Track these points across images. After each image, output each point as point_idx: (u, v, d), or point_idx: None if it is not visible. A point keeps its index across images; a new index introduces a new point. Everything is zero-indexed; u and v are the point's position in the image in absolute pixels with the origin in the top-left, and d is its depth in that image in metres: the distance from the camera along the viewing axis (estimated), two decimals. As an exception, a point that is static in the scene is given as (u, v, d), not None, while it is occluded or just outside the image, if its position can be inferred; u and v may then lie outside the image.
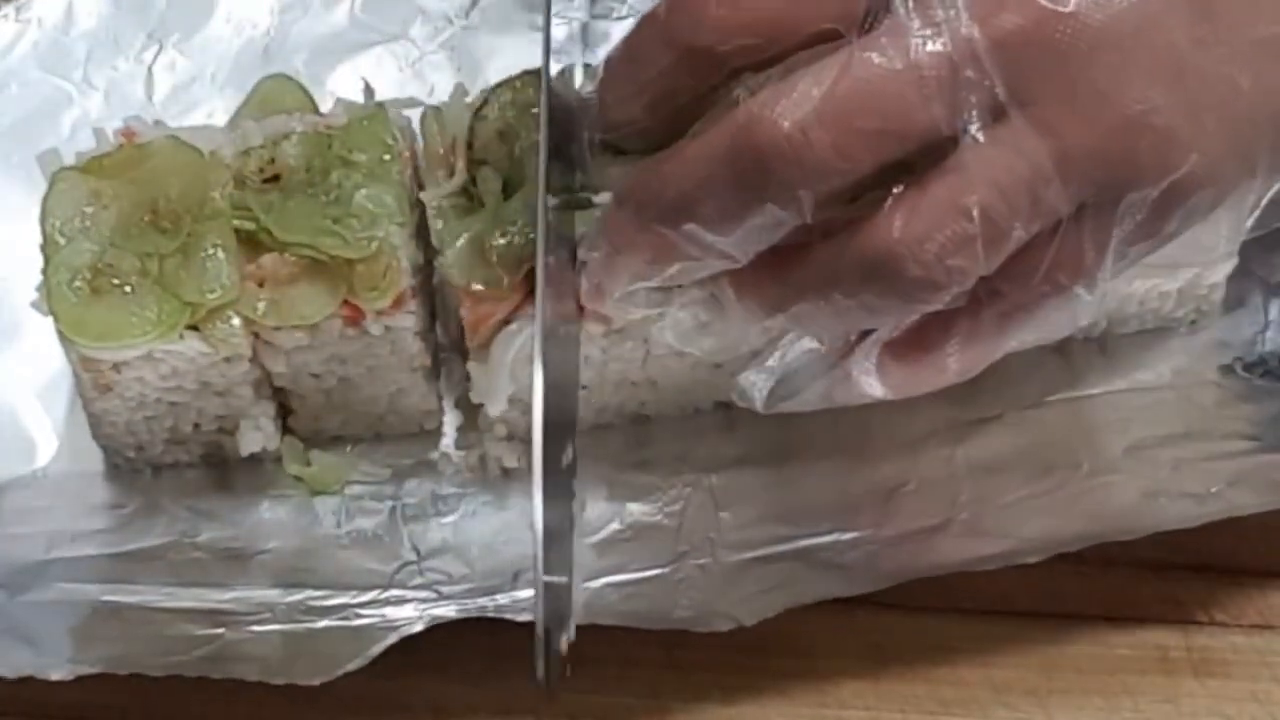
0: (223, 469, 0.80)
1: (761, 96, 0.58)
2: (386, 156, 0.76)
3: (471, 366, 0.76)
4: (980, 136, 0.57)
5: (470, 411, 0.79)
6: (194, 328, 0.73)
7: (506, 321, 0.74)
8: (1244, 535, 0.74)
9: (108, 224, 0.74)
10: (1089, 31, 0.57)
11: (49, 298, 0.73)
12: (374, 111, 0.77)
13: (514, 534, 0.77)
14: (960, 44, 0.57)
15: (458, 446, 0.80)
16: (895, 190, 0.58)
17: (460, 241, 0.73)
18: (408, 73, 0.88)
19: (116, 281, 0.73)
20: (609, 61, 0.64)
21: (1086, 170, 0.58)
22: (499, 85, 0.77)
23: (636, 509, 0.78)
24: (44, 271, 0.74)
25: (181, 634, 0.74)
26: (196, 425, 0.78)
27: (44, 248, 0.74)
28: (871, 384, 0.64)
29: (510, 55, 0.80)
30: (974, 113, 0.57)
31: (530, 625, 0.66)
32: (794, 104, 0.57)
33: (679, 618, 0.73)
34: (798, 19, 0.59)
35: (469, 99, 0.77)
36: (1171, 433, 0.77)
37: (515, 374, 0.75)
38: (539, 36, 0.89)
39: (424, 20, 0.92)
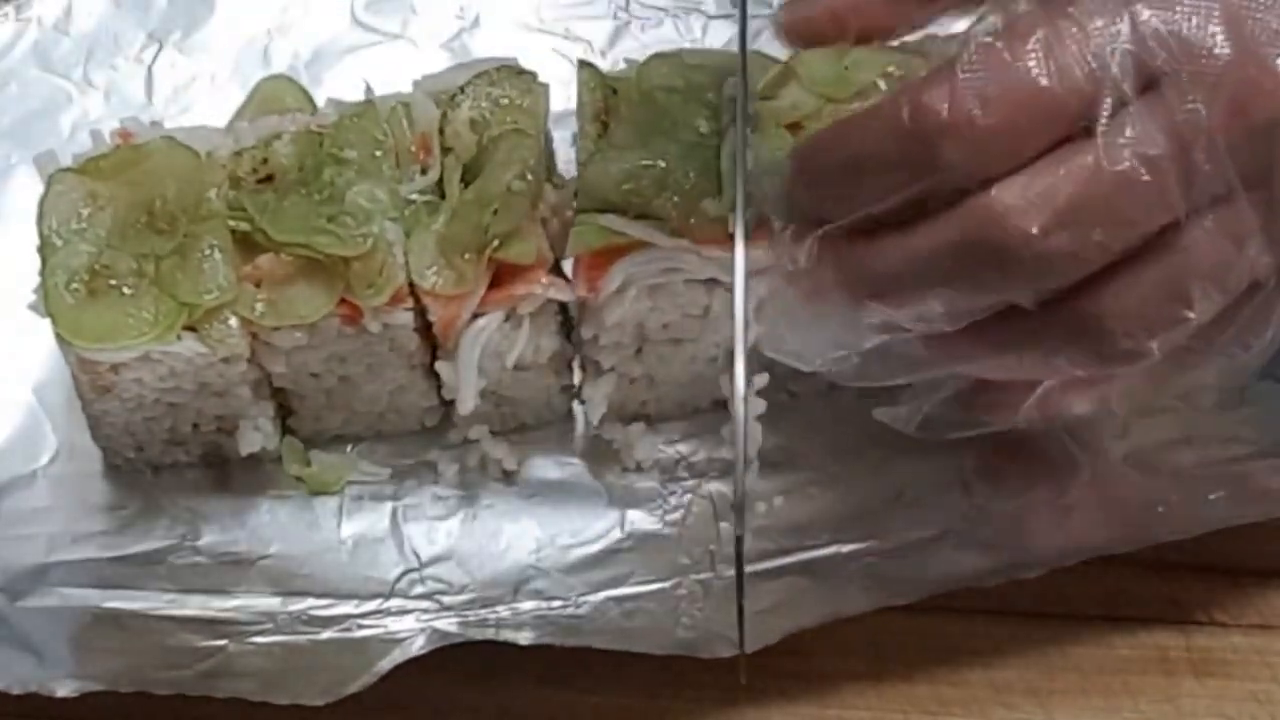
0: (222, 469, 0.80)
1: (1003, 194, 0.58)
2: (377, 152, 0.76)
3: (440, 366, 0.76)
4: (1209, 222, 0.59)
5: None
6: (191, 329, 0.73)
7: (475, 317, 0.74)
8: (1244, 535, 0.74)
9: (104, 225, 0.74)
10: None
11: (46, 299, 0.73)
12: (364, 108, 0.77)
13: (515, 540, 0.78)
14: (1199, 139, 0.58)
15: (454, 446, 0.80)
16: (1115, 264, 0.59)
17: (425, 245, 0.73)
18: (408, 73, 0.87)
19: (113, 283, 0.73)
20: (822, 138, 0.64)
21: None
22: (477, 76, 0.77)
23: (637, 516, 0.78)
24: (41, 273, 0.74)
25: (183, 645, 0.74)
26: (195, 426, 0.78)
27: (41, 249, 0.74)
28: (1032, 415, 0.66)
29: (510, 55, 0.80)
30: (1206, 200, 0.59)
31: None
32: (1037, 207, 0.58)
33: (680, 639, 0.73)
34: (1044, 133, 0.59)
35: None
36: (1172, 438, 0.77)
37: (485, 368, 0.75)
38: (537, 36, 0.91)
39: (424, 20, 0.92)
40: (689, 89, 0.75)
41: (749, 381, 0.67)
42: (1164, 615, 0.76)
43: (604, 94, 0.76)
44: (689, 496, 0.78)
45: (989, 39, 0.60)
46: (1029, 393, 0.66)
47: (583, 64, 0.78)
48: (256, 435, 0.78)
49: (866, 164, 0.62)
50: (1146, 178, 0.58)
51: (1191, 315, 0.60)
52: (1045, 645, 0.75)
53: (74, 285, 0.73)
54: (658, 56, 0.77)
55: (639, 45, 0.90)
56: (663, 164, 0.72)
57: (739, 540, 0.66)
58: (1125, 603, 0.76)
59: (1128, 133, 0.58)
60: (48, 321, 0.73)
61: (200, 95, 0.90)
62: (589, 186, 0.73)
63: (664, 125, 0.74)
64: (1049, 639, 0.76)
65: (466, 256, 0.73)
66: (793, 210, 0.66)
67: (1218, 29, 0.58)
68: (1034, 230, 0.58)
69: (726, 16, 0.91)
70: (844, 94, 0.72)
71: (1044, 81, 0.58)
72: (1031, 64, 0.58)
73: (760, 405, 0.76)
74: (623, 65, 0.79)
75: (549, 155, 0.78)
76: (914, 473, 0.77)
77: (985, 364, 0.65)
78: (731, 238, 0.69)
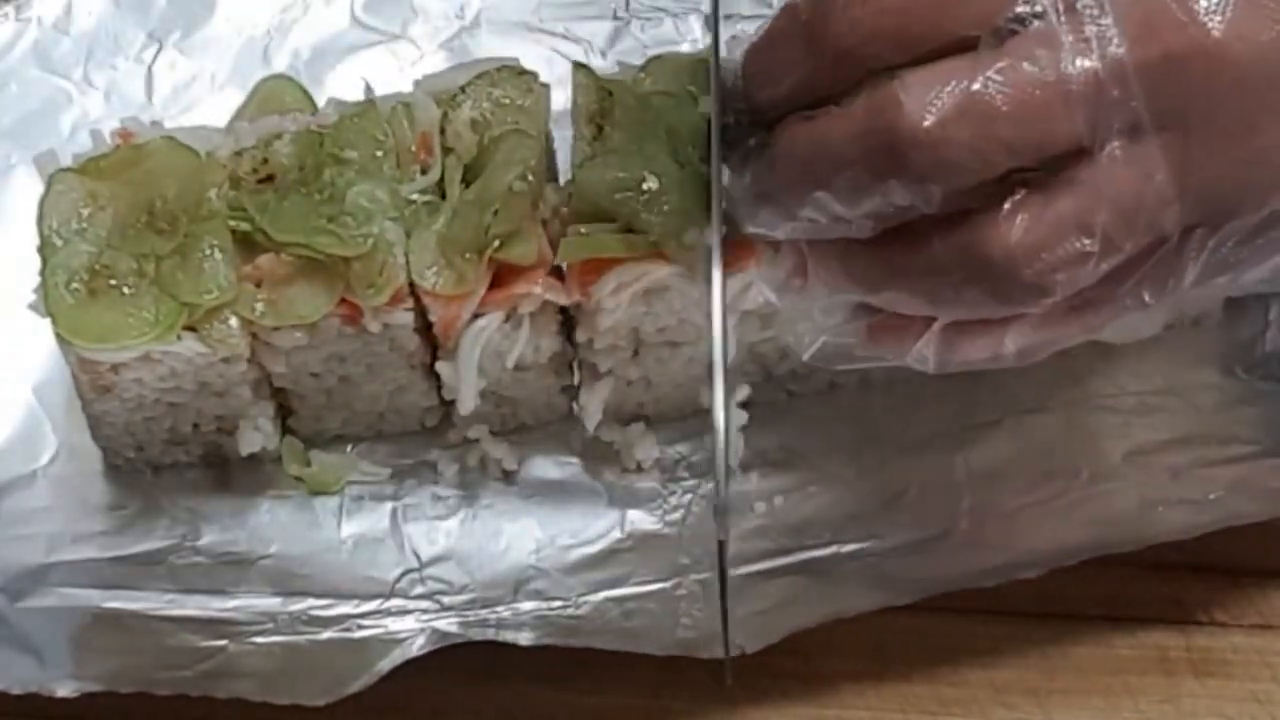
0: (222, 469, 0.80)
1: (908, 83, 0.58)
2: (378, 152, 0.76)
3: (440, 366, 0.76)
4: (1116, 154, 0.58)
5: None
6: (191, 328, 0.73)
7: (475, 317, 0.74)
8: (1244, 535, 0.74)
9: (104, 225, 0.74)
10: (1235, 66, 0.57)
11: (46, 299, 0.73)
12: (364, 108, 0.77)
13: (515, 540, 0.78)
14: (1110, 62, 0.57)
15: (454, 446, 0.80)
16: (1018, 194, 0.58)
17: (425, 245, 0.73)
18: (408, 73, 0.87)
19: (114, 283, 0.73)
20: (753, 48, 0.64)
21: (1206, 198, 0.59)
22: (478, 77, 0.77)
23: (637, 516, 0.78)
24: (41, 273, 0.74)
25: (183, 645, 0.74)
26: (196, 426, 0.78)
27: (41, 249, 0.74)
28: (924, 355, 0.64)
29: (510, 55, 0.80)
30: (1113, 131, 0.58)
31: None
32: (938, 98, 0.57)
33: (681, 639, 0.73)
34: (940, 23, 0.58)
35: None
36: (1171, 437, 0.77)
37: (485, 368, 0.75)
38: (537, 36, 0.91)
39: (424, 20, 0.92)
40: (685, 93, 0.75)
41: (731, 391, 0.67)
42: (1164, 615, 0.76)
43: (599, 96, 0.76)
44: (689, 496, 0.78)
45: None
46: (925, 329, 0.64)
47: (578, 66, 0.78)
48: (256, 435, 0.78)
49: (778, 51, 0.62)
50: (1051, 85, 0.57)
51: (1093, 247, 0.58)
52: (1045, 645, 0.76)
53: (74, 285, 0.73)
54: (655, 59, 0.77)
55: (639, 45, 0.90)
56: (653, 182, 0.72)
57: (721, 545, 0.65)
58: (1125, 603, 0.76)
59: (1045, 42, 0.57)
60: (48, 321, 0.73)
61: (200, 95, 0.90)
62: (582, 191, 0.73)
63: (659, 130, 0.74)
64: (1049, 639, 0.76)
65: (467, 257, 0.73)
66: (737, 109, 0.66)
67: None
68: (931, 122, 0.57)
69: (728, 17, 0.90)
70: None
71: None
72: None
73: (742, 417, 0.76)
74: (623, 66, 0.79)
75: (550, 156, 0.78)
76: (914, 473, 0.77)
77: (890, 294, 0.63)
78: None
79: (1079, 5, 0.57)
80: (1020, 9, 0.57)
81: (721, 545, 0.65)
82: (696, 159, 0.72)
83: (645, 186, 0.72)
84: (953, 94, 0.57)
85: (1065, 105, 0.57)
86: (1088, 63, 0.57)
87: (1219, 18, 0.57)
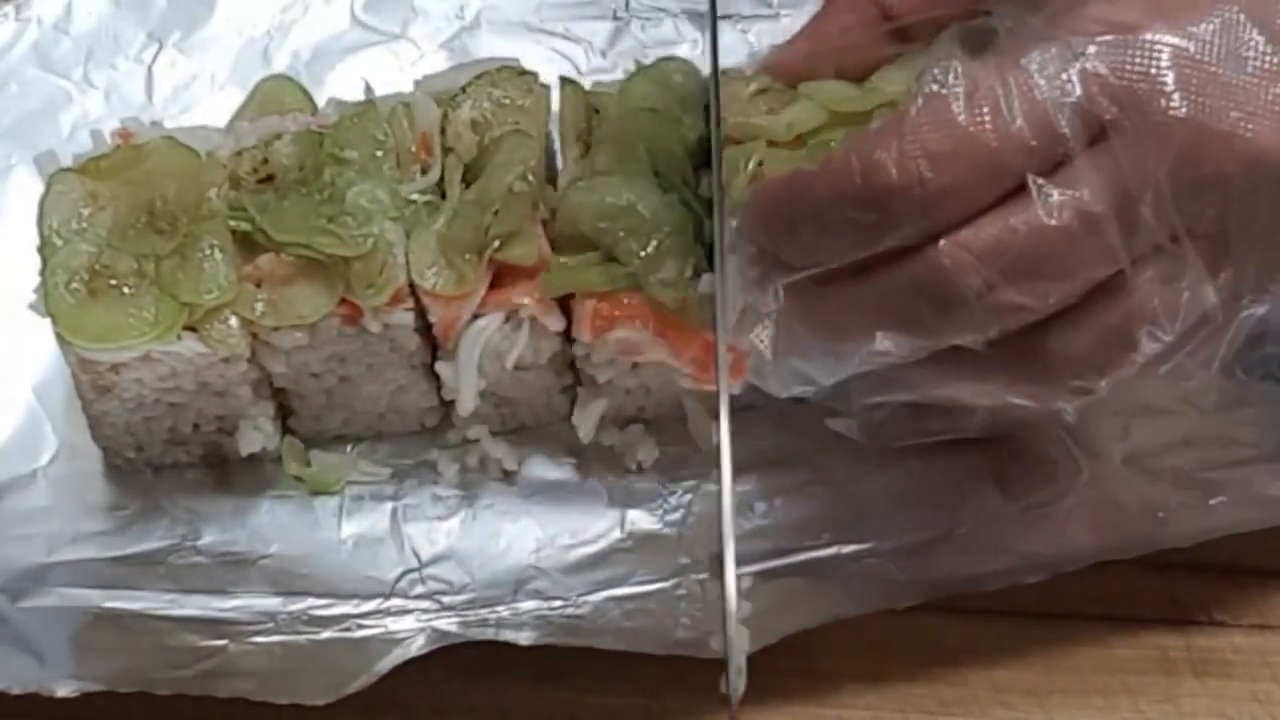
0: (223, 469, 0.80)
1: (951, 247, 0.59)
2: (378, 153, 0.76)
3: (440, 366, 0.76)
4: (1154, 270, 0.60)
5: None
6: (192, 328, 0.73)
7: (475, 318, 0.74)
8: (1244, 535, 0.74)
9: (105, 225, 0.74)
10: (1277, 169, 0.59)
11: (46, 299, 0.73)
12: (365, 108, 0.77)
13: (515, 540, 0.77)
14: (1148, 193, 0.59)
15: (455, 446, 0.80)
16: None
17: (425, 245, 0.74)
18: (408, 73, 0.87)
19: (114, 283, 0.73)
20: (780, 196, 0.64)
21: (1246, 284, 0.61)
22: (478, 77, 0.77)
23: (637, 516, 0.78)
24: (41, 273, 0.74)
25: (183, 644, 0.74)
26: (196, 426, 0.78)
27: (41, 249, 0.74)
28: None
29: (510, 55, 0.80)
30: (1150, 249, 0.60)
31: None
32: (981, 261, 0.59)
33: (680, 639, 0.73)
34: (985, 188, 0.59)
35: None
36: (1171, 440, 0.77)
37: (485, 369, 0.75)
38: (537, 36, 0.91)
39: (424, 20, 0.92)
40: (669, 110, 0.76)
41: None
42: (1164, 615, 0.76)
43: (587, 113, 0.77)
44: (689, 497, 0.78)
45: (938, 87, 0.60)
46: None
47: (565, 81, 0.78)
48: (257, 435, 0.78)
49: (820, 220, 0.62)
50: (1088, 233, 0.59)
51: (1138, 358, 0.61)
52: (1045, 645, 0.75)
53: (74, 285, 0.73)
54: (640, 74, 0.78)
55: (638, 45, 0.90)
56: (633, 214, 0.73)
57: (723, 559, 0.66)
58: (1125, 603, 0.76)
59: (1072, 189, 0.59)
60: (48, 321, 0.73)
61: (200, 95, 0.90)
62: (567, 215, 0.74)
63: (642, 151, 0.74)
64: (1049, 639, 0.75)
65: (467, 257, 0.73)
66: (753, 253, 0.66)
67: (1167, 80, 0.59)
68: (978, 286, 0.59)
69: (727, 17, 0.91)
70: (865, 106, 0.73)
71: (991, 139, 0.59)
72: (980, 118, 0.59)
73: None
74: (620, 71, 0.80)
75: (550, 156, 0.78)
76: (914, 474, 0.77)
77: (942, 395, 0.66)
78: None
79: (1113, 141, 0.59)
80: (1054, 154, 0.59)
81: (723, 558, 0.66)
82: (680, 184, 0.74)
83: (625, 220, 0.73)
84: (995, 256, 0.59)
85: (1101, 247, 0.59)
86: (1120, 198, 0.59)
87: (1255, 126, 0.58)
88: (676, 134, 0.75)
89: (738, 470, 0.77)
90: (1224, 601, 0.76)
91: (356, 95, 0.79)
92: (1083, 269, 0.60)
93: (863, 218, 0.61)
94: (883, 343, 0.63)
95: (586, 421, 0.77)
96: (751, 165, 0.72)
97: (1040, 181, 0.59)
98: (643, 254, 0.73)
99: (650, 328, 0.73)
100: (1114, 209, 0.59)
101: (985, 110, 0.59)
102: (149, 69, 0.91)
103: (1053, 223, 0.59)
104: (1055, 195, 0.59)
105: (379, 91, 0.79)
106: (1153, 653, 0.75)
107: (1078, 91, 0.59)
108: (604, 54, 0.90)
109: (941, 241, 0.60)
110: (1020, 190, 0.59)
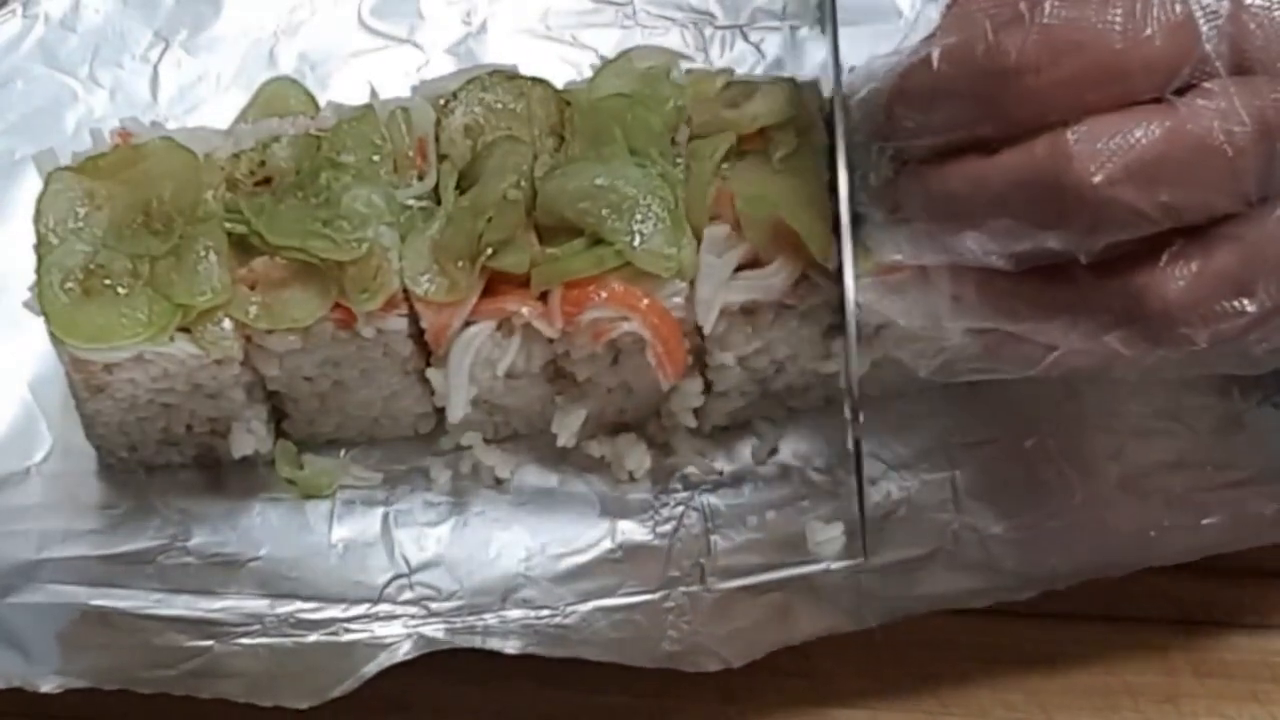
0: (215, 471, 0.80)
1: (1077, 136, 0.58)
2: (375, 157, 0.75)
3: (431, 373, 0.76)
4: (1278, 217, 0.58)
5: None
6: (185, 330, 0.73)
7: (467, 325, 0.74)
8: (1244, 536, 0.74)
9: (101, 225, 0.74)
10: None
11: (40, 298, 0.73)
12: (362, 112, 0.77)
13: (505, 548, 0.77)
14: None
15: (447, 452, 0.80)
16: (1175, 244, 0.59)
17: (419, 251, 0.73)
18: (414, 78, 0.87)
19: (108, 282, 0.73)
20: (909, 78, 0.63)
21: None
22: (470, 81, 0.77)
23: (628, 527, 0.77)
24: (37, 271, 0.74)
25: (170, 644, 0.74)
26: (189, 427, 0.78)
27: (37, 247, 0.74)
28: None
29: (515, 60, 0.80)
30: (1277, 190, 0.58)
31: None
32: (1108, 157, 0.57)
33: (667, 651, 0.73)
34: (1115, 94, 0.58)
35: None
36: (1165, 460, 0.76)
37: (476, 376, 0.75)
38: (544, 43, 0.91)
39: (430, 25, 0.92)
40: (637, 94, 0.76)
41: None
42: (1164, 615, 0.76)
43: (559, 106, 0.76)
44: (681, 508, 0.78)
45: None
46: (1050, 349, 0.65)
47: (534, 80, 0.78)
48: (249, 438, 0.78)
49: (941, 93, 0.61)
50: (1227, 149, 0.57)
51: (1251, 308, 0.59)
52: (1045, 645, 0.75)
53: (69, 284, 0.73)
54: (608, 66, 0.78)
55: (645, 54, 0.90)
56: (615, 190, 0.73)
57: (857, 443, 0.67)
58: (1125, 603, 0.76)
59: (1215, 103, 0.57)
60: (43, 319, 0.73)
61: (205, 95, 0.90)
62: (545, 204, 0.73)
63: (617, 133, 0.74)
64: (1049, 639, 0.75)
65: (460, 264, 0.73)
66: (881, 136, 0.65)
67: None
68: (1099, 178, 0.57)
69: (733, 27, 0.91)
70: None
71: (1119, 45, 0.57)
72: (1115, 21, 0.57)
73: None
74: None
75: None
76: (905, 490, 0.76)
77: (1032, 325, 0.64)
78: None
79: (1248, 67, 0.57)
80: (1191, 71, 0.57)
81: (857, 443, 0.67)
82: (658, 156, 0.74)
83: (605, 198, 0.73)
84: (1122, 153, 0.57)
85: (1232, 169, 0.57)
86: (1261, 128, 0.57)
87: None
88: (651, 110, 0.75)
89: (731, 485, 0.78)
90: (1224, 601, 0.76)
91: (361, 99, 0.79)
92: (1209, 190, 0.57)
93: (978, 94, 0.59)
94: (991, 231, 0.61)
95: (567, 427, 0.77)
96: (718, 154, 0.73)
97: (1180, 89, 0.57)
98: (630, 229, 0.72)
99: (621, 300, 0.73)
100: (1254, 135, 0.57)
101: (1126, 12, 0.57)
102: (155, 68, 0.90)
103: (1191, 130, 0.57)
104: (1199, 102, 0.57)
105: (384, 97, 0.79)
106: (1153, 653, 0.75)
107: (1229, 16, 0.57)
108: (610, 62, 0.90)
109: (1069, 129, 0.58)
110: (1151, 101, 0.58)
